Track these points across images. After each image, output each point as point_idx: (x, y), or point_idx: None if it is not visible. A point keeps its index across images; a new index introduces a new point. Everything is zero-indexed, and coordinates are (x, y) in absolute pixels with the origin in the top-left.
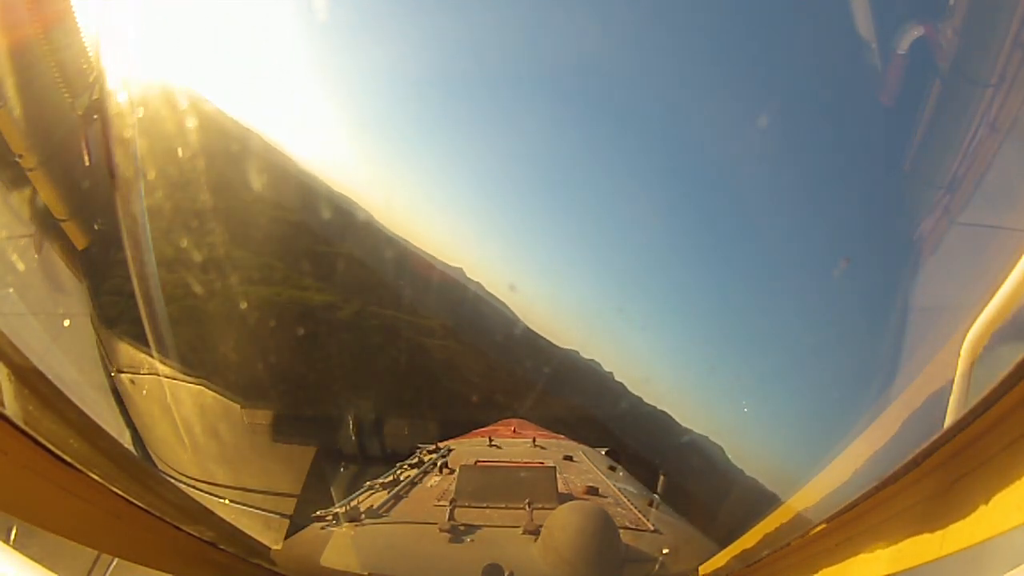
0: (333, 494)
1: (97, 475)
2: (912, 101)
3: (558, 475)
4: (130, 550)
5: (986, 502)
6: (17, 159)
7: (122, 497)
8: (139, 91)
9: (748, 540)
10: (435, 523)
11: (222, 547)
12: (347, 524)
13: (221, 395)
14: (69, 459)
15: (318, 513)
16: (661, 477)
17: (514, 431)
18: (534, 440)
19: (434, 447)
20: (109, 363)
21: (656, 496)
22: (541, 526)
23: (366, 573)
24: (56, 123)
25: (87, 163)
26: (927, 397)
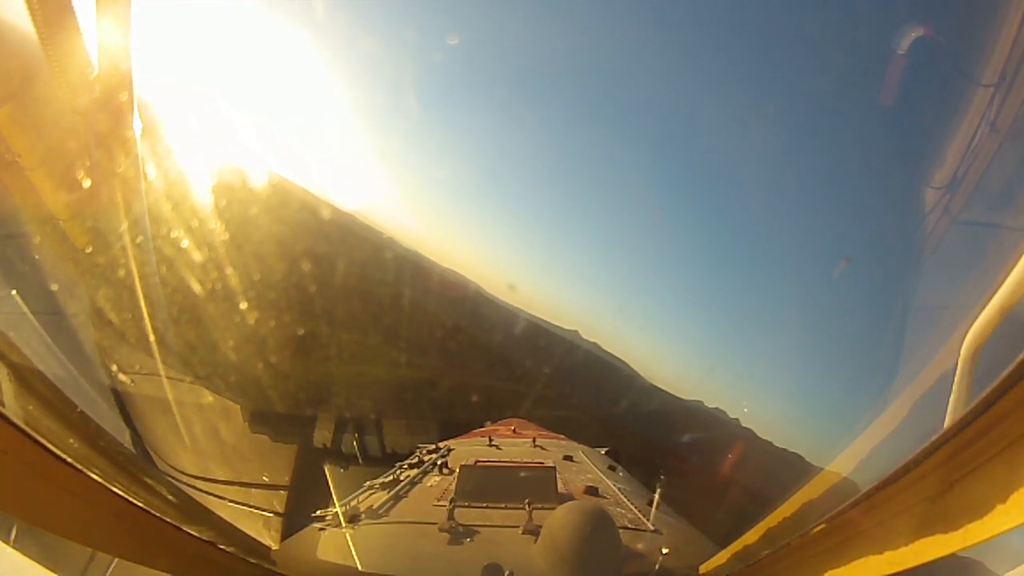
0: (333, 494)
1: (97, 475)
2: (912, 101)
3: (558, 475)
4: (130, 550)
5: (986, 502)
6: (17, 159)
7: (122, 497)
8: (139, 91)
9: (748, 540)
10: (435, 523)
11: (222, 547)
12: (347, 524)
13: (221, 395)
14: (69, 459)
15: (318, 513)
16: (661, 477)
17: (514, 431)
18: (534, 440)
19: (434, 447)
20: (109, 363)
21: (656, 496)
22: (541, 526)
23: (366, 573)
24: (56, 123)
25: (87, 163)
26: (927, 397)
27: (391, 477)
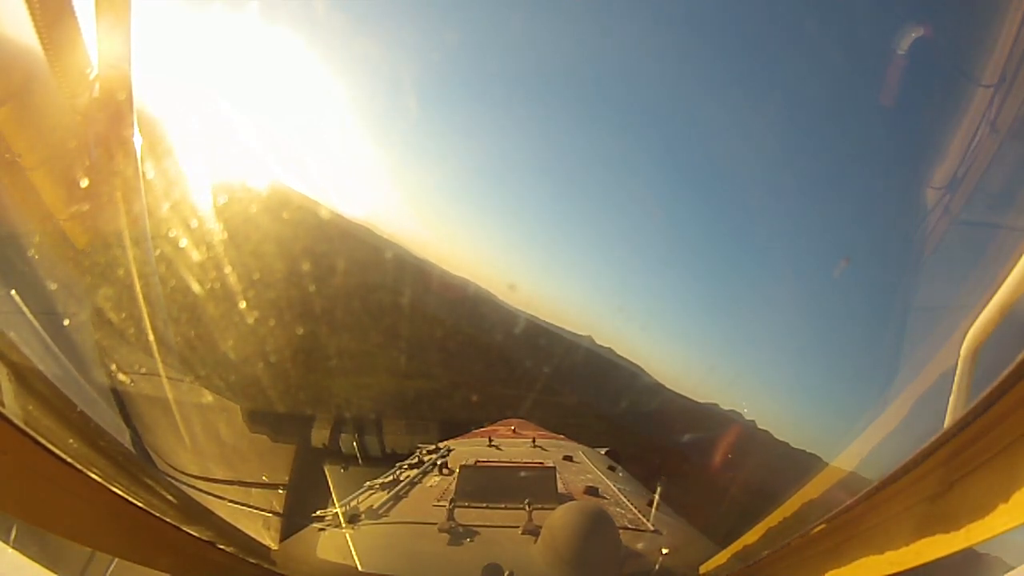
0: (333, 494)
1: (97, 475)
2: (912, 101)
3: (558, 475)
4: (129, 550)
5: (986, 502)
6: (17, 159)
7: (122, 497)
8: (139, 91)
9: (748, 540)
10: (435, 523)
11: (221, 547)
12: (347, 524)
13: (221, 395)
14: (69, 459)
15: (318, 513)
16: (661, 477)
17: (514, 431)
18: (534, 440)
19: (434, 447)
20: (109, 363)
21: (656, 496)
22: (541, 526)
23: (366, 573)
24: (56, 123)
25: (87, 163)
26: (927, 397)
27: (391, 477)
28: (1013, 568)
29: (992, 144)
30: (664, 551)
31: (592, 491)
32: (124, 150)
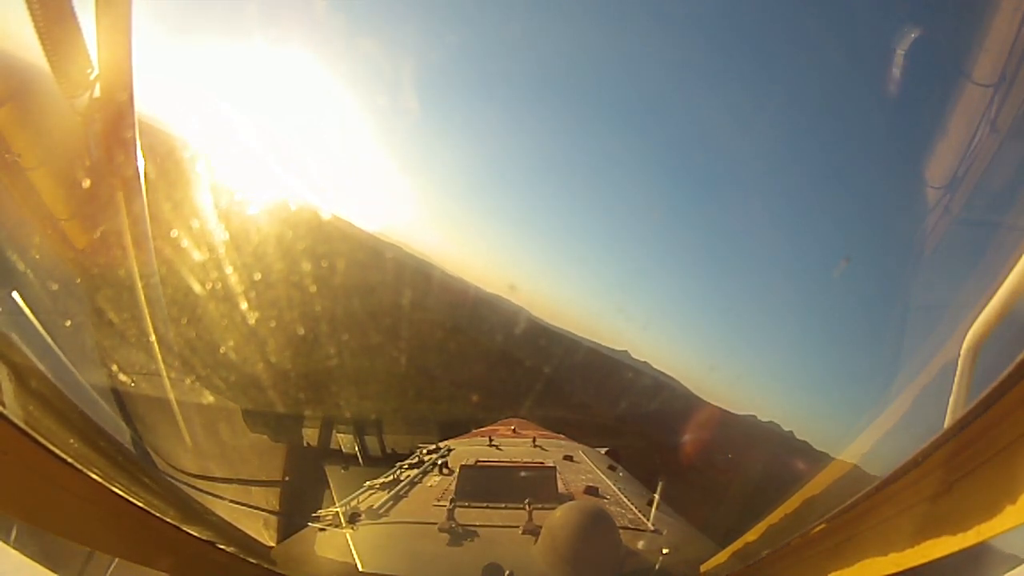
0: (333, 494)
1: (97, 475)
2: (912, 101)
3: (558, 475)
4: (129, 550)
5: (986, 502)
6: (17, 159)
7: (122, 497)
8: (139, 91)
9: (749, 539)
10: (435, 523)
11: (221, 547)
12: (347, 524)
13: (221, 395)
14: (69, 459)
15: (318, 513)
16: (661, 476)
17: (514, 431)
18: (534, 440)
19: (434, 447)
20: (109, 363)
21: (656, 496)
22: (541, 526)
23: (366, 573)
24: (56, 123)
25: (87, 163)
26: (927, 397)
27: (391, 477)
28: (1014, 568)
29: (992, 144)
30: (664, 551)
31: (592, 491)
32: (124, 150)
